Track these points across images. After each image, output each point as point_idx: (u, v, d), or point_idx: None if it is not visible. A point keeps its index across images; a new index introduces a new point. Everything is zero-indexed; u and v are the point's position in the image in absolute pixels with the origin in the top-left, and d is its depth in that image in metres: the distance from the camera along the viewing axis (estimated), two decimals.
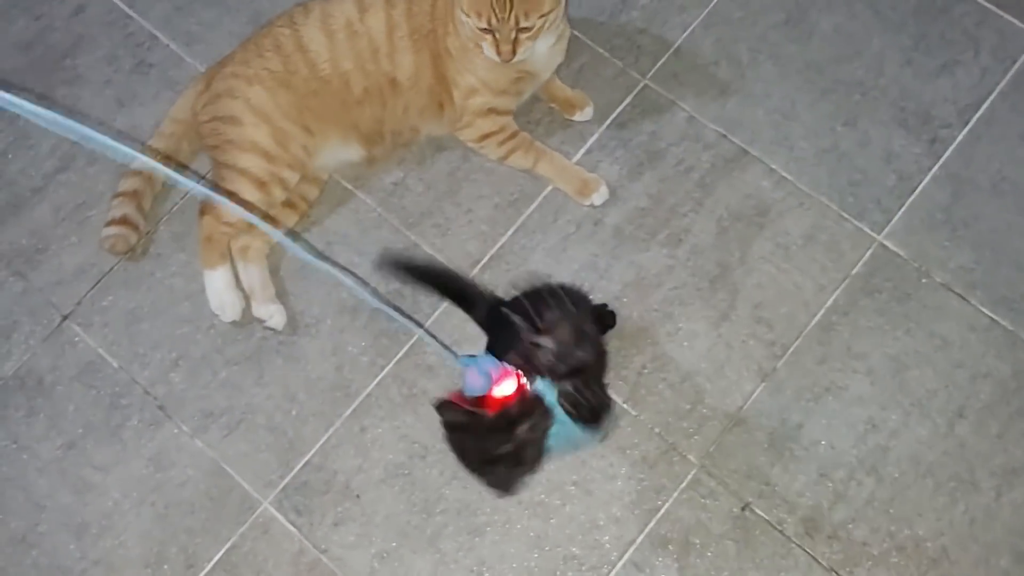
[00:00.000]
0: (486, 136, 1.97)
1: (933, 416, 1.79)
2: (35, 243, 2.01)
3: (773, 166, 1.98)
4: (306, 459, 1.82)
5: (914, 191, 1.95)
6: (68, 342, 1.92)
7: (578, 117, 2.04)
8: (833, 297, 1.88)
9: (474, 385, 1.44)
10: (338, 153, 1.97)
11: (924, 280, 1.88)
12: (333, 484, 1.80)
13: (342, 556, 1.75)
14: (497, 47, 1.78)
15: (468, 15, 1.76)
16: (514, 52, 1.78)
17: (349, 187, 2.02)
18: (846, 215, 1.94)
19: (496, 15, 1.73)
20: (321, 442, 1.83)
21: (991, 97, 2.02)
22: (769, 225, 1.94)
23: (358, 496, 1.78)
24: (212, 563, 1.75)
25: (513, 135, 1.98)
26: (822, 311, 1.87)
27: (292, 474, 1.81)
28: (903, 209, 1.94)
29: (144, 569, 1.76)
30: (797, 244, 1.92)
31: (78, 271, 1.98)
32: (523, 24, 1.75)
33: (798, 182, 1.97)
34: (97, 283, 1.97)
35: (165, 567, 1.75)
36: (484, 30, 1.77)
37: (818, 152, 1.99)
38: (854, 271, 1.90)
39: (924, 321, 1.85)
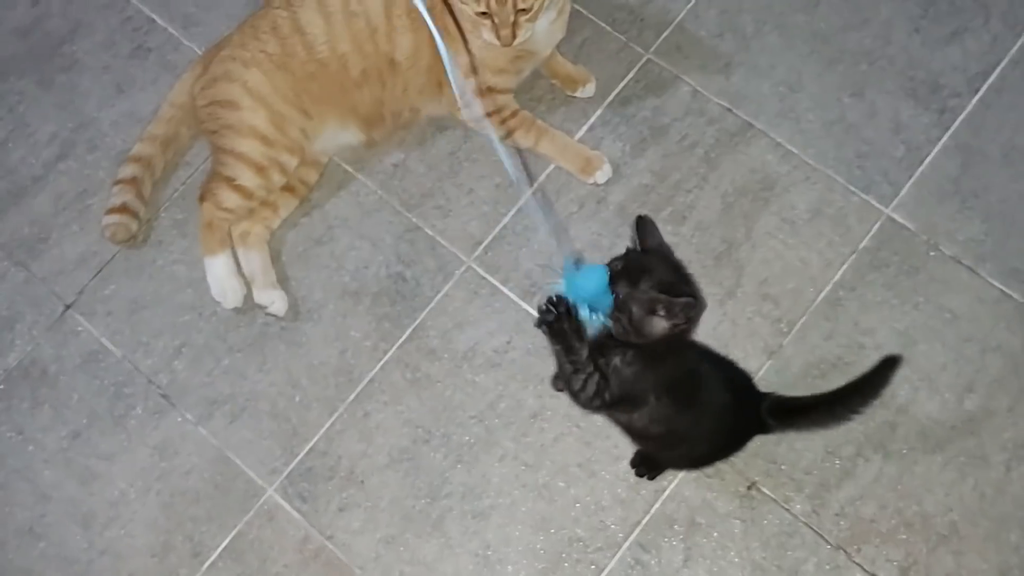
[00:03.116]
0: (487, 115, 1.94)
1: (942, 391, 1.76)
2: (36, 232, 2.00)
3: (779, 139, 1.95)
4: (310, 445, 1.81)
5: (923, 162, 1.92)
6: (71, 332, 1.92)
7: (580, 93, 2.01)
8: (840, 272, 1.85)
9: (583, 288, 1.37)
10: (337, 136, 1.95)
11: (933, 253, 1.85)
12: (337, 470, 1.79)
13: (347, 541, 1.75)
14: (496, 31, 1.75)
15: (465, 0, 1.73)
16: (514, 36, 1.76)
17: (349, 170, 2.00)
18: (853, 188, 1.91)
19: None
20: (325, 428, 1.82)
21: (1001, 65, 1.97)
22: (775, 200, 1.91)
23: (362, 481, 1.78)
24: (218, 551, 1.76)
25: (514, 114, 1.95)
26: (829, 286, 1.84)
27: (296, 460, 1.80)
28: (911, 181, 1.91)
29: (151, 558, 1.76)
30: (803, 219, 1.89)
31: (80, 260, 1.97)
32: (521, 6, 1.71)
33: (804, 155, 1.93)
34: (99, 272, 1.96)
35: (171, 556, 1.76)
36: (482, 14, 1.73)
37: (825, 124, 1.96)
38: (861, 245, 1.87)
39: (933, 295, 1.82)
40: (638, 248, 1.44)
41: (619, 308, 1.37)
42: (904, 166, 1.92)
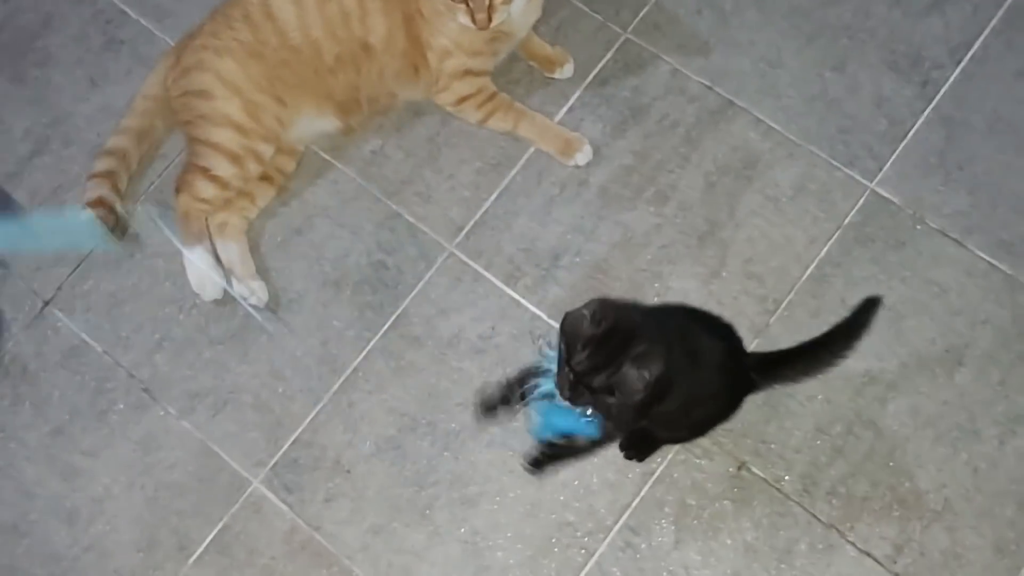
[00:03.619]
0: (464, 99, 1.92)
1: (932, 365, 1.75)
2: None
3: (760, 116, 1.93)
4: (295, 436, 1.79)
5: (906, 135, 1.90)
6: (51, 328, 1.90)
7: (558, 75, 1.99)
8: (826, 248, 1.83)
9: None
10: (313, 124, 1.93)
11: (919, 227, 1.84)
12: (323, 460, 1.77)
13: (335, 532, 1.73)
14: (472, 15, 1.73)
15: None
16: (490, 19, 1.73)
17: (327, 158, 1.98)
18: (837, 163, 1.89)
19: None
20: (309, 418, 1.80)
21: (983, 35, 1.95)
22: (758, 177, 1.89)
23: (349, 471, 1.76)
24: (204, 544, 1.74)
25: (491, 97, 1.93)
26: (815, 263, 1.83)
27: (281, 452, 1.78)
28: (895, 155, 1.89)
29: (136, 553, 1.74)
30: (787, 196, 1.87)
31: (57, 256, 1.95)
32: None
33: (786, 131, 1.91)
34: (77, 267, 1.94)
35: (157, 550, 1.74)
36: None
37: (806, 100, 1.94)
38: (846, 220, 1.85)
39: (920, 269, 1.81)
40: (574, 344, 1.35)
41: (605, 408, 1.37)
42: (887, 140, 1.90)
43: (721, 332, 1.60)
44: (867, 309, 1.58)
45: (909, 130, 1.90)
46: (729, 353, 1.57)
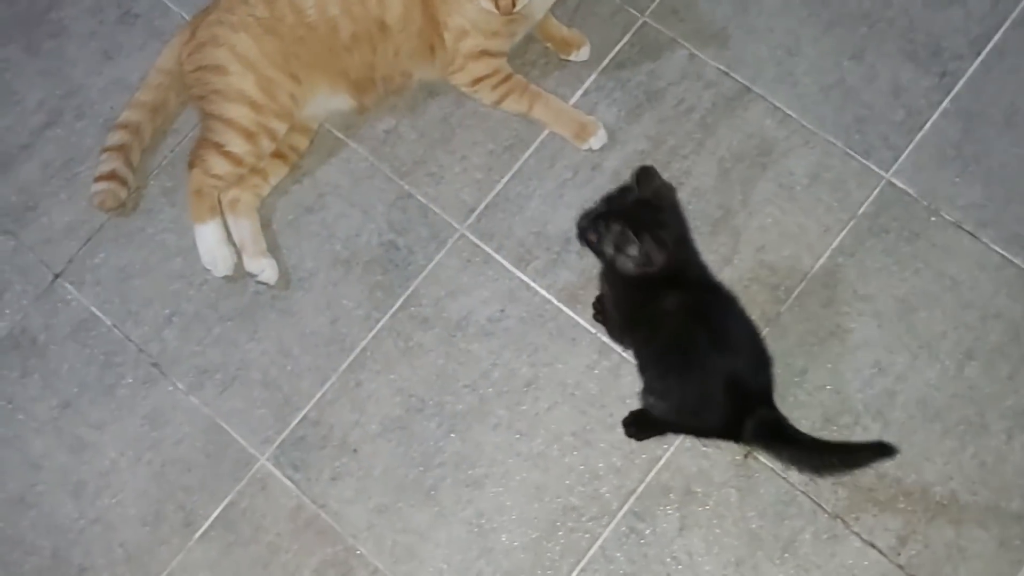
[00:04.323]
0: (479, 80, 1.91)
1: (942, 358, 1.74)
2: (24, 200, 1.98)
3: (776, 104, 1.92)
4: (302, 414, 1.80)
5: (923, 127, 1.88)
6: (61, 300, 1.90)
7: (574, 57, 1.97)
8: (839, 238, 1.82)
9: None
10: (327, 102, 1.92)
11: (933, 218, 1.82)
12: (330, 439, 1.78)
13: (340, 510, 1.73)
14: (495, 0, 1.72)
15: None
16: (514, 4, 1.72)
17: (340, 136, 1.97)
18: (852, 153, 1.87)
19: None
20: (317, 397, 1.80)
21: (1004, 27, 1.93)
22: (772, 165, 1.88)
23: (355, 451, 1.76)
24: (210, 520, 1.74)
25: (507, 78, 1.92)
26: (827, 253, 1.82)
27: (288, 430, 1.79)
28: (912, 145, 1.87)
29: (142, 527, 1.75)
30: (802, 184, 1.86)
31: (68, 228, 1.95)
32: None
33: (802, 120, 1.90)
34: (88, 240, 1.94)
35: (163, 525, 1.75)
36: None
37: (823, 88, 1.92)
38: (861, 211, 1.84)
39: (933, 261, 1.80)
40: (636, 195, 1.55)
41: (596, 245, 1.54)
42: (904, 130, 1.88)
43: (756, 359, 1.58)
44: (877, 451, 1.54)
45: (926, 121, 1.89)
46: (742, 378, 1.54)
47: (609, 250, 1.52)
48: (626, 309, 1.63)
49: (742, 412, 1.54)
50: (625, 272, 1.53)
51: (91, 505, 1.77)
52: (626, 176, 1.87)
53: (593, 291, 1.80)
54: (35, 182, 1.99)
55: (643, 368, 1.65)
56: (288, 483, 1.76)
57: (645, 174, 1.55)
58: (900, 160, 1.86)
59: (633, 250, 1.49)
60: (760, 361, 1.58)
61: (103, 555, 1.74)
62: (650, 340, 1.60)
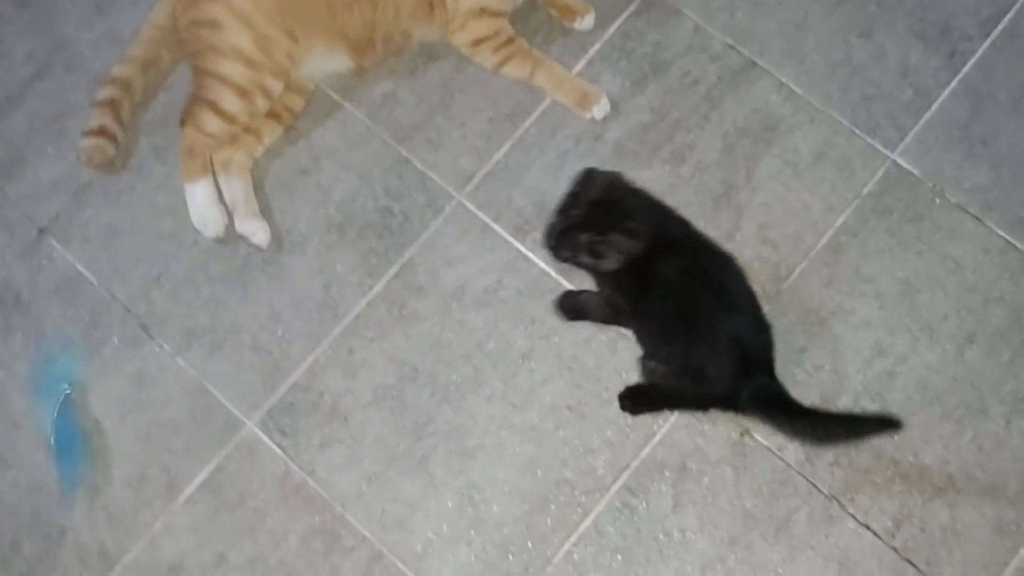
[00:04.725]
0: (480, 41, 1.87)
1: (943, 341, 1.72)
2: (10, 154, 1.93)
3: (783, 79, 1.88)
4: (292, 380, 1.76)
5: (930, 107, 1.86)
6: (46, 257, 1.85)
7: (579, 25, 1.94)
8: (842, 217, 1.80)
9: None
10: (325, 62, 1.88)
11: (938, 200, 1.80)
12: (320, 406, 1.74)
13: (329, 478, 1.70)
14: None
15: None
16: None
17: (337, 98, 1.93)
18: (858, 131, 1.85)
19: None
20: (308, 363, 1.77)
21: (1015, 7, 1.91)
22: (777, 141, 1.85)
23: (346, 418, 1.73)
24: (196, 484, 1.71)
25: (508, 41, 1.88)
26: (830, 232, 1.79)
27: (278, 395, 1.75)
28: (918, 126, 1.85)
29: (125, 489, 1.71)
30: (806, 162, 1.83)
31: (55, 184, 1.90)
32: None
33: (809, 96, 1.87)
34: (75, 197, 1.89)
35: (147, 487, 1.71)
36: None
37: (830, 65, 1.89)
38: (865, 190, 1.81)
39: (937, 243, 1.77)
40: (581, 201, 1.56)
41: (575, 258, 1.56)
42: (911, 110, 1.86)
43: (755, 320, 1.59)
44: (881, 424, 1.57)
45: (934, 101, 1.86)
46: (744, 339, 1.55)
47: (587, 260, 1.55)
48: (629, 295, 1.61)
49: (743, 376, 1.53)
50: (612, 269, 1.55)
51: None
52: (631, 148, 1.86)
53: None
54: (22, 136, 1.94)
55: (645, 336, 1.63)
56: (276, 449, 1.72)
57: (587, 177, 1.58)
58: (906, 140, 1.84)
59: (608, 252, 1.52)
60: (759, 324, 1.59)
61: (84, 516, 1.70)
62: (656, 312, 1.58)
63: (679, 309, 1.54)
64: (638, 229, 1.52)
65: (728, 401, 1.59)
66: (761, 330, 1.59)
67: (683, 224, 1.64)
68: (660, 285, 1.55)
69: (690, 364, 1.56)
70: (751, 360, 1.55)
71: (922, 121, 1.85)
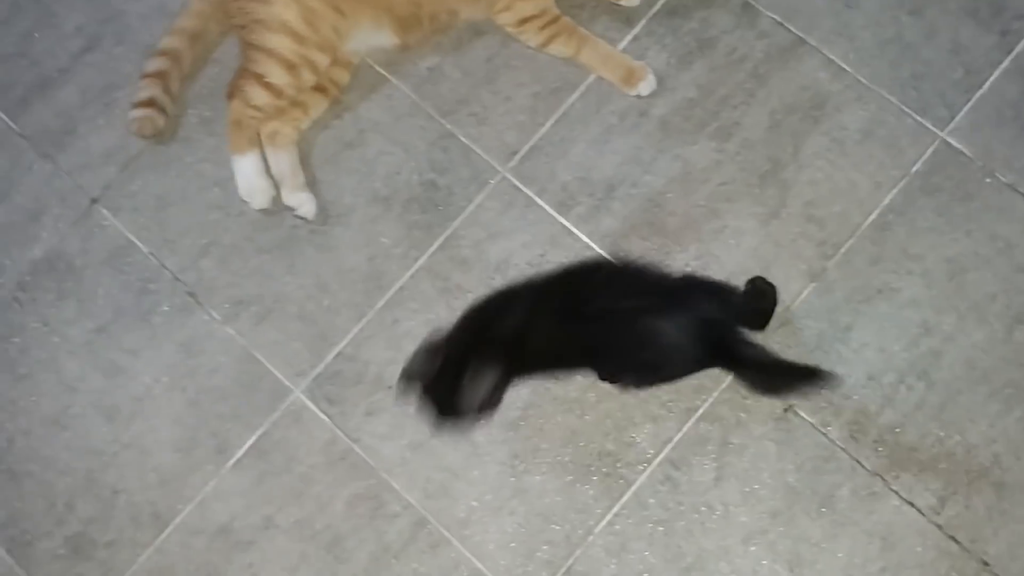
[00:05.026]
0: (525, 20, 1.87)
1: (990, 320, 1.71)
2: (62, 124, 1.95)
3: (831, 56, 1.87)
4: (338, 349, 1.78)
5: (982, 86, 1.84)
6: (97, 225, 1.88)
7: (625, 2, 1.93)
8: (890, 196, 1.79)
9: None
10: (370, 37, 1.88)
11: (988, 180, 1.78)
12: (365, 375, 1.76)
13: (374, 445, 1.72)
14: None
15: None
16: None
17: (382, 72, 1.94)
18: (907, 110, 1.83)
19: None
20: (353, 333, 1.79)
21: None
22: (825, 119, 1.84)
23: (390, 387, 1.75)
24: (244, 449, 1.74)
25: (554, 20, 1.88)
26: (878, 210, 1.78)
27: (324, 364, 1.77)
28: (969, 104, 1.83)
29: (175, 453, 1.74)
30: (854, 139, 1.82)
31: (106, 154, 1.93)
32: None
33: (858, 74, 1.86)
34: (125, 167, 1.92)
35: (197, 451, 1.74)
36: None
37: (880, 43, 1.87)
38: (914, 169, 1.80)
39: (986, 222, 1.76)
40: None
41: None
42: (962, 89, 1.84)
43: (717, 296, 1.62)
44: (808, 375, 1.61)
45: (985, 80, 1.84)
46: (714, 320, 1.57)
47: (484, 395, 1.57)
48: (583, 354, 1.64)
49: (710, 347, 1.57)
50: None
51: (125, 429, 1.76)
52: (676, 124, 1.86)
53: (637, 239, 1.78)
54: (73, 106, 1.96)
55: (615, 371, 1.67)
56: (322, 416, 1.74)
57: (428, 346, 1.63)
58: (956, 119, 1.82)
59: (481, 387, 1.56)
60: (721, 293, 1.62)
61: (137, 479, 1.74)
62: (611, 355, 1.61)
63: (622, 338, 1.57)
64: (490, 362, 1.56)
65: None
66: (725, 298, 1.62)
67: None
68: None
69: (656, 363, 1.60)
70: (714, 331, 1.56)
71: (973, 100, 1.83)
